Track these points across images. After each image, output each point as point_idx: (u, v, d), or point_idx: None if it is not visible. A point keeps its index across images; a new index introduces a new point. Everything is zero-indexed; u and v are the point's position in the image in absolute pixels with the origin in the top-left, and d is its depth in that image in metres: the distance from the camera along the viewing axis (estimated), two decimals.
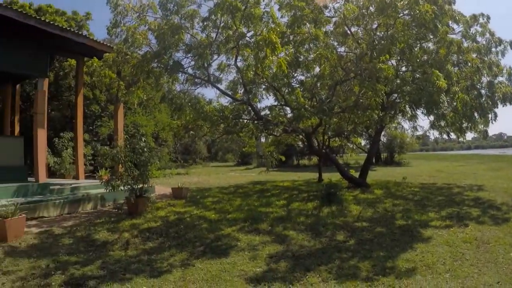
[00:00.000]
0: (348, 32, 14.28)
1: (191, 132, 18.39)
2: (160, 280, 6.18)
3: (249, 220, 10.39)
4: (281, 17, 13.18)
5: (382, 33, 13.92)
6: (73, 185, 14.83)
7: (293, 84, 15.51)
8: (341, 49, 15.16)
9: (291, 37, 12.92)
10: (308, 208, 11.92)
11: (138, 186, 12.17)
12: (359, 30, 14.97)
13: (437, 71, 11.88)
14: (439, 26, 13.03)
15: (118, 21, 12.45)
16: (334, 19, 14.23)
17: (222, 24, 12.10)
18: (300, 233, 9.08)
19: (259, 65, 11.93)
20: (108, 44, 16.58)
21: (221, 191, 17.14)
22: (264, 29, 11.96)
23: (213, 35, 12.66)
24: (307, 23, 12.51)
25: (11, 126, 21.28)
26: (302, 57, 13.38)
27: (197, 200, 14.48)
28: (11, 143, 16.72)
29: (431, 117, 15.36)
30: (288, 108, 15.70)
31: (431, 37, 14.15)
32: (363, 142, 27.28)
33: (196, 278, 6.22)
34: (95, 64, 14.75)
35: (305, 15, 12.21)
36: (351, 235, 8.81)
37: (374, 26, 14.31)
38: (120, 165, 12.72)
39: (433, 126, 16.48)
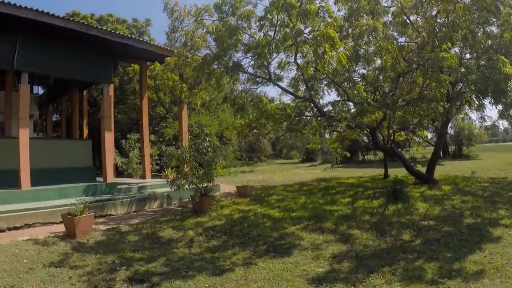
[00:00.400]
0: (407, 21, 13.81)
1: (255, 130, 18.44)
2: (222, 278, 6.21)
3: (313, 219, 10.21)
4: (338, 10, 12.96)
5: (442, 19, 13.36)
6: (139, 184, 15.36)
7: (354, 78, 15.24)
8: (401, 40, 14.71)
9: (350, 30, 12.69)
10: (373, 206, 11.54)
11: (203, 185, 12.37)
12: (418, 18, 14.45)
13: (502, 57, 11.20)
14: (501, 8, 12.29)
15: (176, 26, 12.69)
16: (392, 9, 13.83)
17: (278, 22, 12.06)
18: (364, 232, 8.85)
19: (318, 61, 11.82)
20: (169, 48, 16.99)
21: (285, 189, 17.06)
22: (321, 24, 11.83)
23: (271, 33, 12.63)
24: (364, 15, 12.25)
25: (79, 129, 22.19)
26: (362, 50, 13.11)
27: (262, 198, 14.46)
28: (80, 146, 17.57)
29: (499, 106, 14.58)
30: (351, 103, 15.43)
31: (494, 20, 13.32)
32: (429, 135, 26.40)
33: (258, 277, 6.21)
34: (157, 68, 15.08)
35: (361, 7, 11.97)
36: (417, 235, 8.46)
37: (434, 13, 13.74)
38: (186, 165, 12.95)
39: (501, 115, 15.47)
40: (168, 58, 13.94)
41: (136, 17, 35.70)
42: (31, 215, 10.60)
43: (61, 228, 9.83)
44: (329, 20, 11.99)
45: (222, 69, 12.69)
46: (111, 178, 14.92)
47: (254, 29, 12.72)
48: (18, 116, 12.85)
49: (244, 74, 13.69)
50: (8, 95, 17.69)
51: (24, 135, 12.72)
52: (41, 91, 28.15)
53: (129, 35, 17.16)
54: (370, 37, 12.54)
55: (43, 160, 14.65)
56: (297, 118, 14.61)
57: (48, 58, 13.86)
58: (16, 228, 10.15)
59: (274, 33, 12.47)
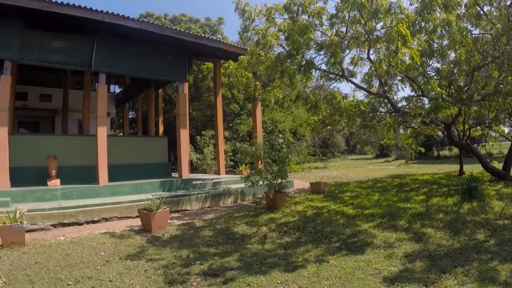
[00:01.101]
0: (481, 12, 13.21)
1: (329, 127, 18.30)
2: (295, 274, 6.12)
3: (386, 216, 9.90)
4: (410, 4, 12.54)
5: None
6: (214, 180, 15.58)
7: (428, 72, 14.75)
8: (476, 32, 14.02)
9: (423, 24, 12.29)
10: (447, 204, 11.02)
11: (277, 182, 12.34)
12: (492, 9, 13.78)
13: None
14: None
15: (247, 26, 12.77)
16: (464, 1, 13.27)
17: (350, 20, 11.88)
18: (438, 231, 8.46)
19: (391, 58, 11.53)
20: (242, 46, 17.16)
21: (359, 185, 16.73)
22: (394, 20, 11.53)
23: (343, 29, 12.42)
24: (437, 8, 11.82)
25: (155, 126, 22.87)
26: (435, 44, 12.68)
27: (335, 194, 14.21)
28: (156, 142, 18.12)
29: None
30: (425, 98, 14.97)
31: None
32: (506, 130, 25.11)
33: (330, 275, 6.06)
34: (231, 66, 15.27)
35: (434, 0, 11.56)
36: (492, 235, 7.97)
37: (508, 2, 13.11)
38: (259, 161, 13.02)
39: None
40: (242, 56, 14.07)
41: (209, 16, 36.37)
42: (108, 209, 11.06)
43: (137, 222, 10.15)
44: (401, 16, 11.65)
45: (295, 67, 12.65)
46: (186, 174, 15.25)
47: (326, 25, 12.62)
48: (96, 114, 13.45)
49: (317, 71, 13.60)
50: (86, 94, 18.42)
51: (102, 132, 13.30)
52: (117, 89, 29.34)
53: (203, 35, 17.48)
54: (443, 31, 12.10)
55: (121, 157, 15.26)
56: (370, 115, 14.36)
57: (124, 59, 14.41)
58: (94, 222, 10.63)
59: (346, 30, 12.30)
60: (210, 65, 23.25)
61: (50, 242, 8.30)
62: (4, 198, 10.77)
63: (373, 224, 9.31)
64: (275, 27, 12.84)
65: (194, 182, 14.82)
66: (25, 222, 8.15)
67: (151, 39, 14.58)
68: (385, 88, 13.62)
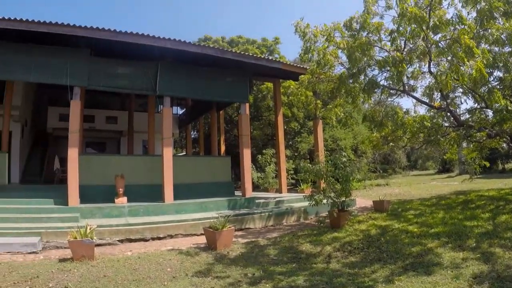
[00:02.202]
0: None
1: (391, 143, 18.03)
2: None
3: (452, 235, 9.50)
4: (468, 13, 12.17)
5: None
6: (277, 199, 15.60)
7: (492, 82, 14.27)
8: None
9: (481, 32, 11.86)
10: None
11: (341, 200, 12.21)
12: None
13: None
14: None
15: (308, 47, 12.85)
16: None
17: (409, 34, 11.70)
18: (507, 250, 7.98)
19: (454, 71, 11.22)
20: (299, 65, 17.24)
21: (422, 203, 16.23)
22: (455, 31, 11.24)
23: (401, 43, 12.31)
24: (497, 16, 11.37)
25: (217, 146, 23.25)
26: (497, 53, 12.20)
27: (398, 213, 13.85)
28: (220, 162, 18.43)
29: None
30: (488, 110, 14.47)
31: None
32: None
33: None
34: (292, 86, 15.31)
35: (494, 8, 11.11)
36: None
37: None
38: (322, 180, 12.92)
39: None
40: (302, 76, 14.13)
41: (265, 36, 36.71)
42: (173, 226, 11.33)
43: (201, 240, 10.26)
44: (461, 26, 11.32)
45: (357, 86, 12.56)
46: (249, 192, 15.32)
47: (384, 40, 12.50)
48: (161, 135, 13.92)
49: (378, 87, 13.46)
50: (151, 116, 18.98)
51: (168, 153, 13.78)
52: (180, 110, 30.15)
53: (262, 56, 17.71)
54: (506, 39, 11.65)
55: (185, 176, 15.51)
56: (434, 129, 14.03)
57: (186, 82, 14.83)
58: (159, 238, 10.91)
59: (404, 44, 12.15)
60: (270, 84, 23.43)
61: (118, 257, 8.61)
62: (75, 213, 11.45)
63: (438, 243, 9.00)
64: (334, 46, 12.83)
65: (257, 201, 14.89)
66: (94, 238, 8.45)
67: (212, 62, 14.98)
68: (447, 101, 13.31)
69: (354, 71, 11.92)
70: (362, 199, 18.89)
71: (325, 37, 12.78)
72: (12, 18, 11.70)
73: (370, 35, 12.16)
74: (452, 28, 11.14)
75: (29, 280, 6.71)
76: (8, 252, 8.83)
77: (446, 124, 14.58)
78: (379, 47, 12.53)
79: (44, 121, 22.67)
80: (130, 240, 10.56)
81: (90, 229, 8.55)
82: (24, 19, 11.77)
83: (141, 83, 14.00)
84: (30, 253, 8.96)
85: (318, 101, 16.02)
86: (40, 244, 9.37)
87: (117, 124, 24.12)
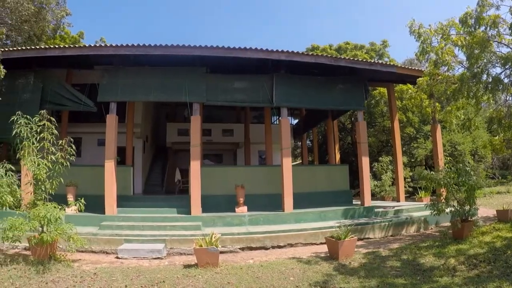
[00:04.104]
0: None
1: None
2: None
3: None
4: None
5: None
6: (395, 208, 15.30)
7: None
8: None
9: None
10: None
11: (465, 210, 11.66)
12: None
13: None
14: None
15: (424, 48, 12.52)
16: None
17: None
18: None
19: None
20: (413, 67, 16.81)
21: None
22: None
23: None
24: None
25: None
26: None
27: None
28: (337, 170, 18.44)
29: None
30: None
31: None
32: None
33: None
34: (410, 90, 14.88)
35: None
36: None
37: None
38: (444, 188, 12.43)
39: None
40: (420, 78, 13.73)
41: (373, 40, 36.10)
42: (293, 235, 11.55)
43: (321, 249, 10.37)
44: None
45: (480, 86, 11.96)
46: (368, 201, 15.16)
47: (503, 33, 11.76)
48: (280, 146, 14.26)
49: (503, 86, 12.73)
50: (267, 128, 19.31)
51: (287, 163, 14.11)
52: (293, 120, 30.54)
53: (372, 60, 17.46)
54: None
55: (303, 185, 15.75)
56: None
57: (301, 92, 15.03)
58: (279, 247, 11.19)
59: None
60: (382, 90, 22.98)
61: (240, 264, 9.00)
62: (197, 222, 12.24)
63: None
64: (451, 43, 12.36)
65: (376, 210, 14.72)
66: (218, 246, 8.89)
67: (324, 70, 15.14)
68: None
69: (475, 70, 11.39)
70: (483, 208, 17.98)
71: (441, 35, 12.38)
72: (130, 44, 12.88)
73: (488, 29, 11.54)
74: None
75: (156, 284, 7.25)
76: (134, 257, 9.68)
77: None
78: (497, 41, 11.87)
79: (163, 136, 24.14)
80: (251, 248, 10.97)
81: (214, 237, 9.04)
82: (141, 44, 12.96)
83: (257, 95, 14.47)
84: (155, 258, 9.73)
85: (437, 104, 15.42)
86: (164, 250, 10.11)
87: (233, 136, 24.94)
